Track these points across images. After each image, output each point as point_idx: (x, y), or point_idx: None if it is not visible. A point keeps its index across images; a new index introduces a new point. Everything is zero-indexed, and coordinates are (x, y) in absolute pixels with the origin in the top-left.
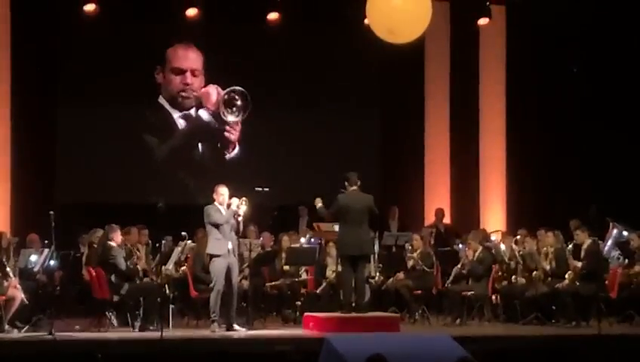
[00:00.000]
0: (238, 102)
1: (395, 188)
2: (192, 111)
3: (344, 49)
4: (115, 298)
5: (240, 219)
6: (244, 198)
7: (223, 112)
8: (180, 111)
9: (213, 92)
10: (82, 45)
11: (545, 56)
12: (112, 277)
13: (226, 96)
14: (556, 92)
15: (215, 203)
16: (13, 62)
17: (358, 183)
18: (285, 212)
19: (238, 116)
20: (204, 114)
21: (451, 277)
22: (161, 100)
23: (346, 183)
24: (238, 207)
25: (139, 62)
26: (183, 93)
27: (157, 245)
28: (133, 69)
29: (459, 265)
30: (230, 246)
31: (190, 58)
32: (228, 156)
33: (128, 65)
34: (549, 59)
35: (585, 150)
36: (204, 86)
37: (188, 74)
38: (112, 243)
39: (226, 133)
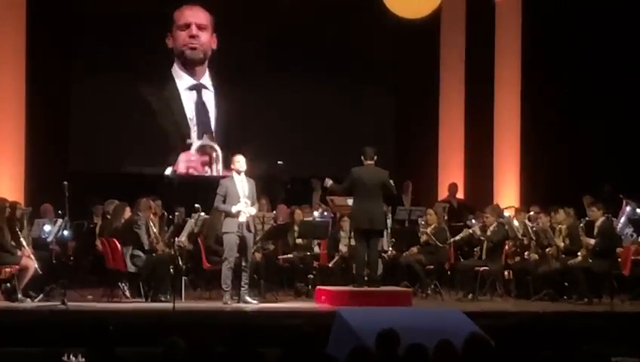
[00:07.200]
0: None
1: (408, 162)
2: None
3: (359, 23)
4: (132, 269)
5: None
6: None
7: None
8: (189, 69)
9: None
10: (96, 14)
11: (560, 31)
12: (131, 250)
13: None
14: (572, 67)
15: (233, 172)
16: (28, 34)
17: (375, 158)
18: (298, 185)
19: None
20: None
21: (458, 236)
22: (174, 70)
23: (362, 157)
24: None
25: (149, 30)
26: (191, 44)
27: (170, 216)
28: (144, 38)
29: (470, 230)
30: (243, 219)
31: (197, 15)
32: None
33: (140, 34)
34: (564, 34)
35: (599, 127)
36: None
37: (193, 27)
38: (142, 218)
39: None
